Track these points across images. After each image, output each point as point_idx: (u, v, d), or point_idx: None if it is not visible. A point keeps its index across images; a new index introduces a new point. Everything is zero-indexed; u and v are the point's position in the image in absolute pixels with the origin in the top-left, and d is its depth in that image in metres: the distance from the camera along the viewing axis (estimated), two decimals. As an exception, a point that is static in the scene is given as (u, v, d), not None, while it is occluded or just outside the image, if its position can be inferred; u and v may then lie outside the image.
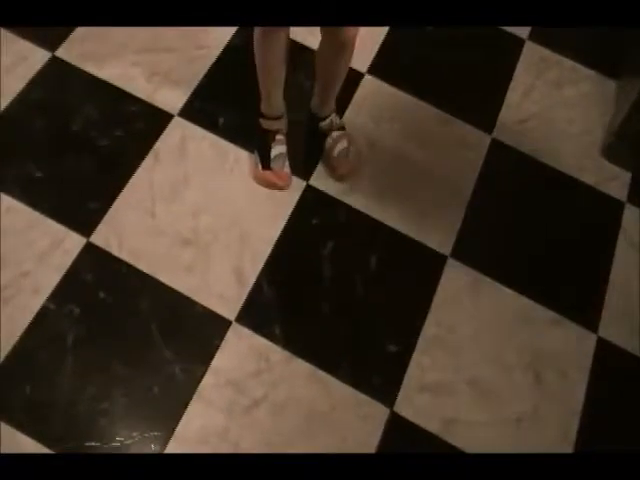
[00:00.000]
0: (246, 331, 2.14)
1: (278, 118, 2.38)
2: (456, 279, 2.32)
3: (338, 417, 2.06)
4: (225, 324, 2.14)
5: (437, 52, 2.79)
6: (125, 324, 2.11)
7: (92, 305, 2.12)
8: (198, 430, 1.99)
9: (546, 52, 2.86)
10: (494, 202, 2.49)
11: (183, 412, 2.01)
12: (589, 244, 2.47)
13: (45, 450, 1.90)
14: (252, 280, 2.22)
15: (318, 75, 2.33)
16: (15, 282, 2.12)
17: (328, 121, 2.44)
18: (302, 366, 2.11)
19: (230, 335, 2.13)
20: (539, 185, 2.56)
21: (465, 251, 2.37)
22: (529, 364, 2.22)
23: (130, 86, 2.50)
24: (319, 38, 2.15)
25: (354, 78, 2.60)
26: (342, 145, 2.42)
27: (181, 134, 2.44)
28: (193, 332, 2.12)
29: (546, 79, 2.80)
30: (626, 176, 2.62)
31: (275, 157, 2.37)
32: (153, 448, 1.95)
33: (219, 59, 2.60)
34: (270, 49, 2.12)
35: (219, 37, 2.63)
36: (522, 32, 2.90)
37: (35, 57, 2.51)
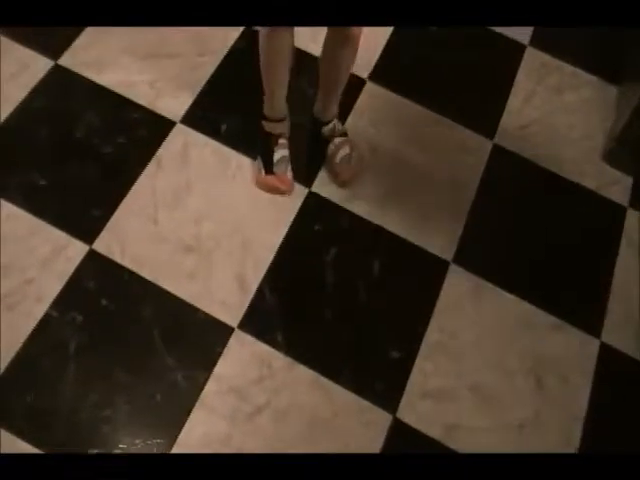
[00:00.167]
0: (248, 338, 2.15)
1: (281, 120, 2.39)
2: (458, 285, 2.32)
3: (340, 423, 2.06)
4: (227, 331, 2.14)
5: (438, 58, 2.79)
6: (127, 331, 2.11)
7: (94, 312, 2.12)
8: (201, 437, 2.00)
9: (547, 58, 2.87)
10: (496, 207, 2.50)
11: (186, 419, 2.01)
12: (591, 249, 2.47)
13: (48, 457, 1.91)
14: (254, 287, 2.22)
15: (321, 75, 2.33)
16: (18, 289, 2.13)
17: (330, 126, 2.44)
18: (304, 373, 2.11)
19: (232, 342, 2.13)
20: (541, 190, 2.56)
21: (467, 257, 2.37)
22: (531, 369, 2.22)
23: (132, 93, 2.51)
24: (321, 45, 2.16)
25: (356, 84, 2.61)
26: (344, 151, 2.43)
27: (183, 141, 2.45)
28: (195, 339, 2.13)
29: (547, 85, 2.80)
30: (627, 181, 2.62)
31: (278, 161, 2.38)
32: (156, 455, 1.96)
33: (221, 66, 2.61)
34: (275, 49, 2.12)
35: (221, 44, 2.64)
36: (523, 38, 2.91)
37: (38, 65, 2.52)
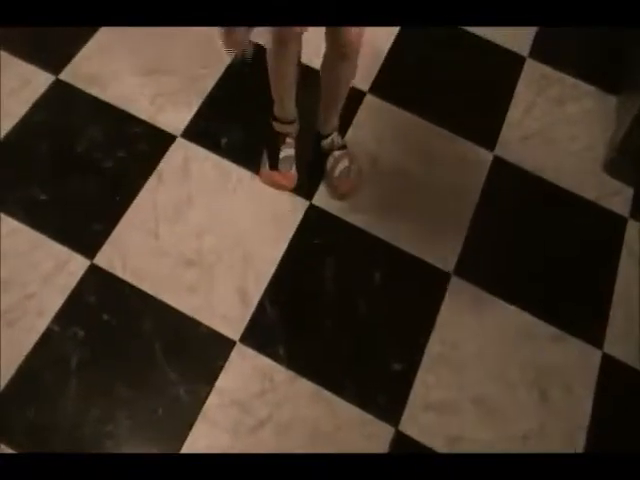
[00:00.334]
0: (250, 351, 2.14)
1: (290, 122, 2.42)
2: (459, 296, 2.32)
3: (343, 436, 2.06)
4: (229, 344, 2.14)
5: (438, 70, 2.80)
6: (129, 346, 2.11)
7: (96, 327, 2.12)
8: (203, 451, 1.99)
9: (547, 69, 2.87)
10: (497, 219, 2.50)
11: (188, 433, 2.01)
12: (592, 260, 2.47)
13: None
14: (256, 300, 2.22)
15: (322, 89, 2.33)
16: (20, 304, 2.13)
17: (329, 140, 2.45)
18: (306, 386, 2.11)
19: (234, 355, 2.13)
20: (541, 202, 2.56)
21: (468, 268, 2.37)
22: (534, 381, 2.22)
23: (133, 108, 2.52)
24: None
25: (356, 97, 2.61)
26: (343, 164, 2.44)
27: (184, 155, 2.45)
28: (197, 353, 2.13)
29: (547, 96, 2.81)
30: (628, 191, 2.62)
31: (283, 159, 2.41)
32: (158, 470, 1.95)
33: (221, 80, 2.62)
34: (283, 57, 2.13)
35: (221, 58, 2.64)
36: (523, 50, 2.92)
37: (39, 80, 2.53)
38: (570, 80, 2.86)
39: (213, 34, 2.66)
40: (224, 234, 2.32)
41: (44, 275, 2.18)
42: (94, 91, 2.54)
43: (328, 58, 2.20)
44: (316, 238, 2.36)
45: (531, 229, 2.50)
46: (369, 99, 2.67)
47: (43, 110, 2.47)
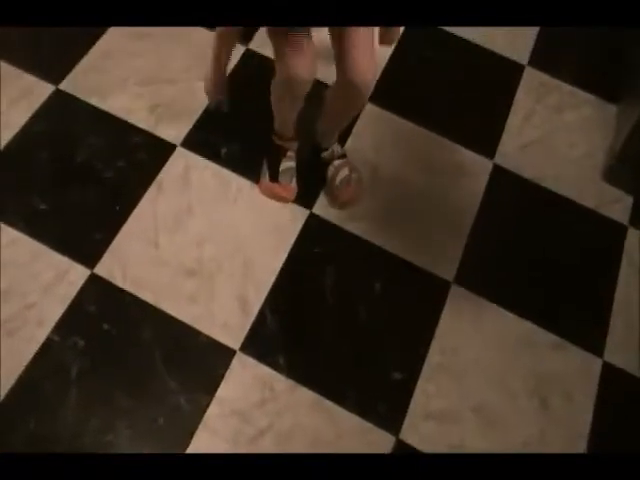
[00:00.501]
0: (250, 360, 2.14)
1: (291, 139, 2.43)
2: (459, 305, 2.32)
3: (344, 445, 2.05)
4: (229, 353, 2.14)
5: (437, 79, 2.81)
6: (129, 355, 2.11)
7: (96, 337, 2.12)
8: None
9: (545, 77, 2.88)
10: (496, 227, 2.50)
11: (189, 442, 2.00)
12: (592, 268, 2.47)
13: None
14: (256, 309, 2.22)
15: (327, 109, 2.32)
16: (20, 314, 2.13)
17: (330, 151, 2.46)
18: (307, 395, 2.11)
19: (235, 364, 2.13)
20: (541, 210, 2.56)
21: (468, 276, 2.37)
22: (534, 389, 2.21)
23: (133, 118, 2.52)
24: (330, 69, 2.15)
25: (355, 106, 2.62)
26: (344, 173, 2.44)
27: (184, 164, 2.46)
28: (197, 362, 2.13)
29: (546, 104, 2.81)
30: (628, 199, 2.62)
31: (283, 171, 2.41)
32: (158, 479, 1.95)
33: (221, 89, 2.62)
34: (290, 99, 2.15)
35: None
36: (522, 58, 2.92)
37: (39, 90, 2.54)
38: (569, 88, 2.87)
39: (211, 44, 2.68)
40: (224, 243, 2.32)
41: (44, 285, 2.18)
42: (94, 101, 2.54)
43: (338, 90, 2.16)
44: (316, 247, 2.36)
45: (531, 237, 2.50)
46: (369, 108, 2.68)
47: (43, 120, 2.48)
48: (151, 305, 2.18)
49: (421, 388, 2.17)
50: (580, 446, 2.14)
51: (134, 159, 2.44)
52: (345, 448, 2.05)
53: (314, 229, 2.39)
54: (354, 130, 2.60)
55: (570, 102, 2.84)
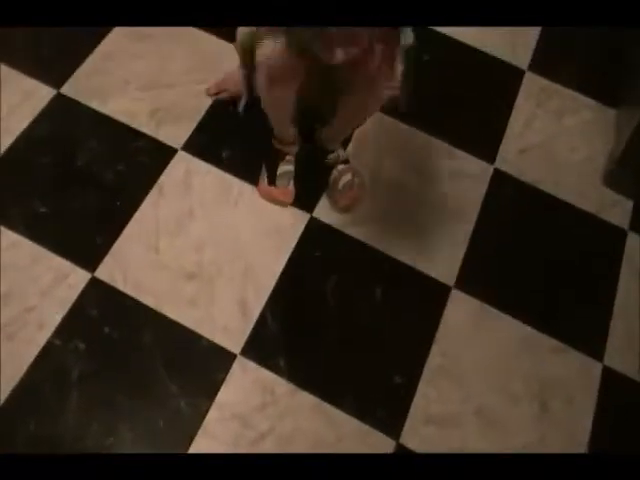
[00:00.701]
0: (251, 364, 2.14)
1: (290, 143, 2.42)
2: (460, 309, 2.32)
3: (344, 449, 2.05)
4: (230, 357, 2.14)
5: (437, 84, 2.81)
6: (130, 359, 2.11)
7: (97, 340, 2.12)
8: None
9: (545, 82, 2.88)
10: (497, 232, 2.50)
11: (189, 446, 2.00)
12: (592, 272, 2.47)
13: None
14: (257, 313, 2.22)
15: (338, 114, 2.32)
16: (20, 317, 2.13)
17: (334, 155, 2.46)
18: (307, 398, 2.11)
19: (235, 368, 2.13)
20: (541, 214, 2.57)
21: (468, 281, 2.37)
22: (534, 393, 2.21)
23: (134, 121, 2.52)
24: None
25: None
26: (347, 177, 2.44)
27: (185, 168, 2.46)
28: (198, 365, 2.13)
29: (547, 109, 2.82)
30: (628, 204, 2.62)
31: (281, 174, 2.41)
32: (159, 483, 1.95)
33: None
34: (277, 98, 2.14)
35: (221, 72, 2.65)
36: (522, 63, 2.93)
37: (40, 94, 2.54)
38: (570, 93, 2.87)
39: (214, 48, 2.69)
40: (225, 247, 2.32)
41: (44, 288, 2.18)
42: (95, 105, 2.54)
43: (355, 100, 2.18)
44: (317, 251, 2.36)
45: (531, 241, 2.50)
46: (369, 112, 2.68)
47: (44, 124, 2.48)
48: (152, 309, 2.18)
49: (421, 392, 2.17)
50: (580, 450, 2.14)
51: (135, 163, 2.44)
52: (345, 452, 2.05)
53: (315, 233, 2.39)
54: (355, 135, 2.60)
55: (570, 107, 2.84)
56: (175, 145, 2.49)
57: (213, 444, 2.01)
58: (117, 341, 2.13)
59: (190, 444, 2.00)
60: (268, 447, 2.03)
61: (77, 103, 2.54)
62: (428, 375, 2.20)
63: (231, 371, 2.12)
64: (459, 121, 2.73)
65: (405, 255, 2.39)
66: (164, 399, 2.06)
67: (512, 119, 2.77)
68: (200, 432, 2.02)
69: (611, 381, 2.26)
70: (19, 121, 2.47)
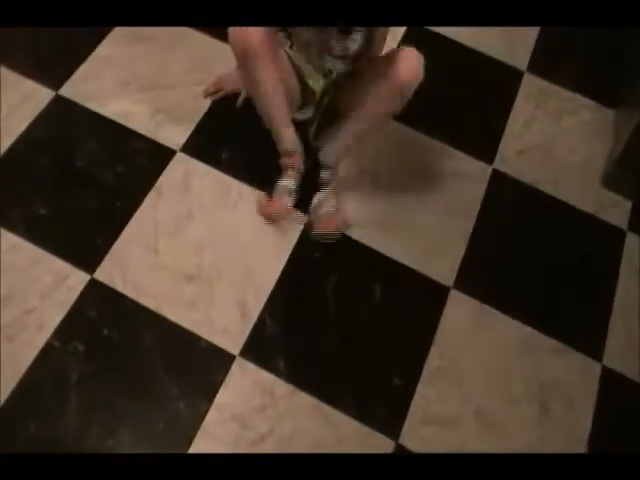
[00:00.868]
0: (250, 365, 2.14)
1: (290, 154, 2.35)
2: (459, 310, 2.32)
3: (344, 450, 2.05)
4: (229, 359, 2.14)
5: (437, 85, 2.79)
6: (129, 360, 2.11)
7: (96, 342, 2.12)
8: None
9: (544, 83, 2.89)
10: (496, 233, 2.50)
11: (188, 448, 2.00)
12: (591, 273, 2.48)
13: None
14: (256, 314, 2.22)
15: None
16: (20, 319, 2.13)
17: (328, 174, 2.41)
18: (307, 400, 2.11)
19: (234, 369, 2.13)
20: (541, 215, 2.57)
21: (468, 282, 2.37)
22: (534, 394, 2.21)
23: (133, 123, 2.52)
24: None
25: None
26: (330, 205, 2.40)
27: (184, 170, 2.46)
28: (197, 367, 2.12)
29: (546, 110, 2.82)
30: (627, 204, 2.63)
31: (279, 189, 2.38)
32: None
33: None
34: (253, 68, 2.10)
35: (220, 73, 2.64)
36: (521, 64, 2.93)
37: (39, 96, 2.54)
38: (568, 94, 2.88)
39: (212, 50, 2.69)
40: (224, 248, 2.32)
41: (44, 290, 2.18)
42: (94, 106, 2.54)
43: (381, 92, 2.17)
44: (316, 252, 2.36)
45: (530, 242, 2.50)
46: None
47: (44, 125, 2.48)
48: (151, 310, 2.18)
49: (421, 393, 2.17)
50: (580, 451, 2.14)
51: (134, 164, 2.44)
52: (345, 452, 2.05)
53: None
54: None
55: (569, 108, 2.84)
56: (174, 146, 2.49)
57: (212, 445, 2.01)
58: (116, 343, 2.13)
59: (190, 445, 2.00)
60: (268, 448, 2.03)
61: (76, 105, 2.54)
62: (427, 376, 2.20)
63: (230, 372, 2.12)
64: (458, 122, 2.73)
65: (404, 256, 2.39)
66: (163, 400, 2.06)
67: (511, 120, 2.77)
68: (199, 433, 2.02)
69: (611, 382, 2.26)
70: (18, 122, 2.47)
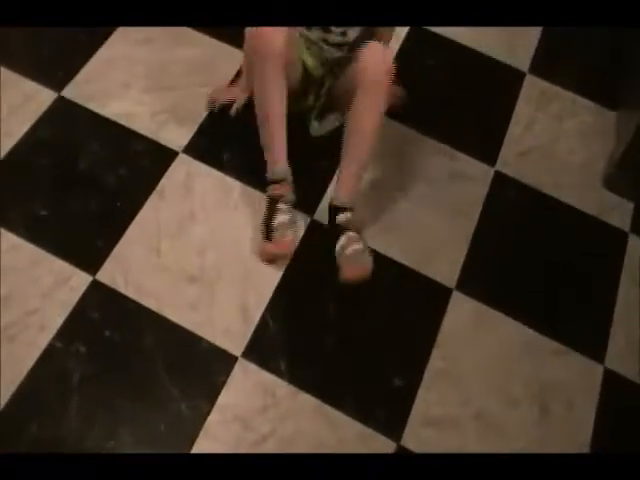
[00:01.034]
0: (252, 366, 2.14)
1: (280, 181, 2.30)
2: (461, 312, 2.32)
3: (345, 451, 2.05)
4: (231, 360, 2.14)
5: (438, 87, 2.81)
6: (131, 361, 2.11)
7: (98, 343, 2.12)
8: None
9: (546, 85, 2.89)
10: (498, 234, 2.50)
11: (190, 449, 2.00)
12: (593, 274, 2.48)
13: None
14: (257, 316, 2.22)
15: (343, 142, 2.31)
16: (21, 320, 2.13)
17: (344, 217, 2.30)
18: (308, 401, 2.11)
19: (236, 371, 2.13)
20: (542, 216, 2.57)
21: (470, 283, 2.37)
22: (535, 396, 2.21)
23: (135, 124, 2.53)
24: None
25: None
26: (356, 247, 2.26)
27: (186, 171, 2.46)
28: (199, 368, 2.12)
29: (547, 112, 2.82)
30: (628, 206, 2.63)
31: (276, 227, 2.27)
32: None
33: (222, 96, 2.63)
34: (266, 74, 2.12)
35: (221, 75, 2.65)
36: (522, 65, 2.93)
37: (41, 97, 2.54)
38: (570, 96, 2.88)
39: (214, 51, 2.69)
40: (226, 250, 2.32)
41: (45, 291, 2.18)
42: (96, 108, 2.54)
43: (358, 103, 2.20)
44: (317, 253, 2.36)
45: (532, 244, 2.50)
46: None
47: (45, 127, 2.48)
48: (153, 312, 2.18)
49: (422, 395, 2.17)
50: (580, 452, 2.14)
51: (136, 166, 2.44)
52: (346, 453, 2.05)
53: (315, 235, 2.39)
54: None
55: (570, 110, 2.85)
56: (176, 148, 2.50)
57: (214, 446, 2.01)
58: (118, 344, 2.13)
59: (191, 447, 2.00)
60: (269, 449, 2.03)
61: (78, 106, 2.54)
62: (429, 378, 2.20)
63: (232, 374, 2.12)
64: (460, 124, 2.74)
65: (406, 257, 2.39)
66: (165, 402, 2.06)
67: (512, 122, 2.77)
68: (201, 434, 2.02)
69: (612, 384, 2.26)
70: (20, 124, 2.47)
